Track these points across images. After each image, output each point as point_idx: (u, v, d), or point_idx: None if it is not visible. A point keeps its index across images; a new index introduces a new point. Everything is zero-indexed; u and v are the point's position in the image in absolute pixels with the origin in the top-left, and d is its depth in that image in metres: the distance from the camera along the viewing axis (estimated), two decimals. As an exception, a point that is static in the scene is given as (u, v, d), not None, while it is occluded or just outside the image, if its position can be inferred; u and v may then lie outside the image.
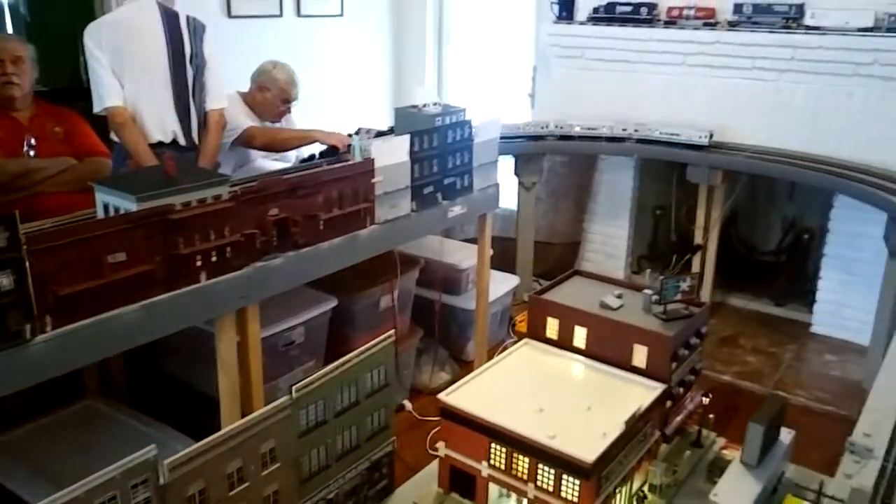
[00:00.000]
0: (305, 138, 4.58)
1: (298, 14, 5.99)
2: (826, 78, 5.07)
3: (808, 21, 5.01)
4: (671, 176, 5.99)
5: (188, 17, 4.09)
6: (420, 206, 3.86)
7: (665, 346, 1.79)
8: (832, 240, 5.36)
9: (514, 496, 1.71)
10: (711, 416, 2.02)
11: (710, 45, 5.38)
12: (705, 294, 5.70)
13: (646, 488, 1.78)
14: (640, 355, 1.82)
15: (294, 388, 1.44)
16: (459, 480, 1.72)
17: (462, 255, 4.93)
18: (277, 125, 4.87)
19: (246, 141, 4.56)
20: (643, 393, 1.73)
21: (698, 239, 5.63)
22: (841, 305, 5.31)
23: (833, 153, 4.91)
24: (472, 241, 4.62)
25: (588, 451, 1.50)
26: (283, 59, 4.89)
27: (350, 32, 6.45)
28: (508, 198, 6.00)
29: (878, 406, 2.21)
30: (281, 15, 5.88)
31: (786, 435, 1.83)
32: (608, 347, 1.86)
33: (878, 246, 4.60)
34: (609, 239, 6.29)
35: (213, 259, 2.84)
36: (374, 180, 3.55)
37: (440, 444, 1.72)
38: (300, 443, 1.48)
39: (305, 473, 1.50)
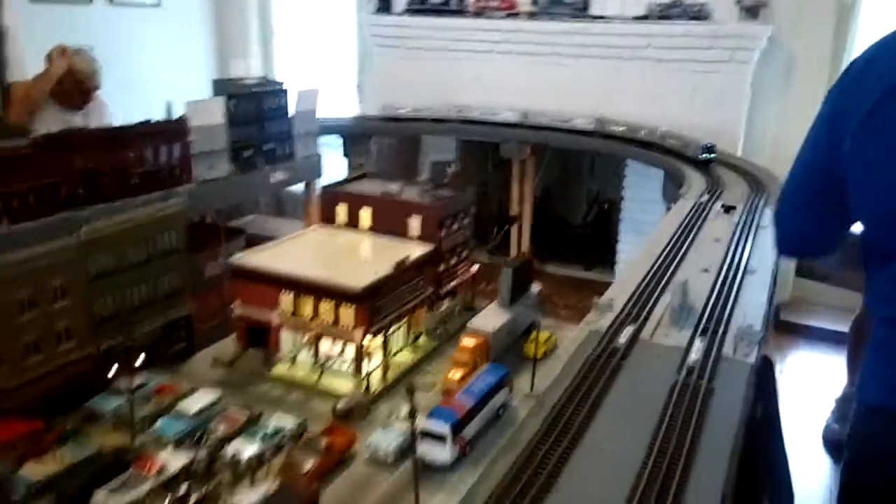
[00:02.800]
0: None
1: (111, 2, 5.90)
2: (612, 61, 5.74)
3: (593, 10, 5.68)
4: (487, 156, 6.48)
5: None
6: (240, 168, 3.99)
7: (433, 214, 2.09)
8: (627, 206, 6.03)
9: (306, 348, 1.92)
10: (483, 284, 2.35)
11: (513, 34, 5.92)
12: (523, 260, 6.20)
13: (422, 337, 2.06)
14: (414, 225, 2.10)
15: (82, 231, 1.57)
16: (255, 335, 1.91)
17: (293, 229, 5.07)
18: (80, 114, 4.68)
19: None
20: (416, 250, 2.01)
21: (513, 211, 6.12)
22: (636, 261, 5.97)
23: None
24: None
25: (360, 282, 1.74)
26: (95, 48, 4.79)
27: (170, 24, 6.41)
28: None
29: (622, 281, 2.65)
30: (91, 2, 5.76)
31: (535, 287, 2.17)
32: (389, 223, 2.14)
33: (661, 208, 5.26)
34: (437, 219, 6.66)
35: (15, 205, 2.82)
36: (188, 139, 3.65)
37: (235, 304, 1.90)
38: (91, 286, 1.60)
39: (98, 317, 1.62)
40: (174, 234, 1.80)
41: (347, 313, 1.76)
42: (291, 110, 4.42)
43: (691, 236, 3.32)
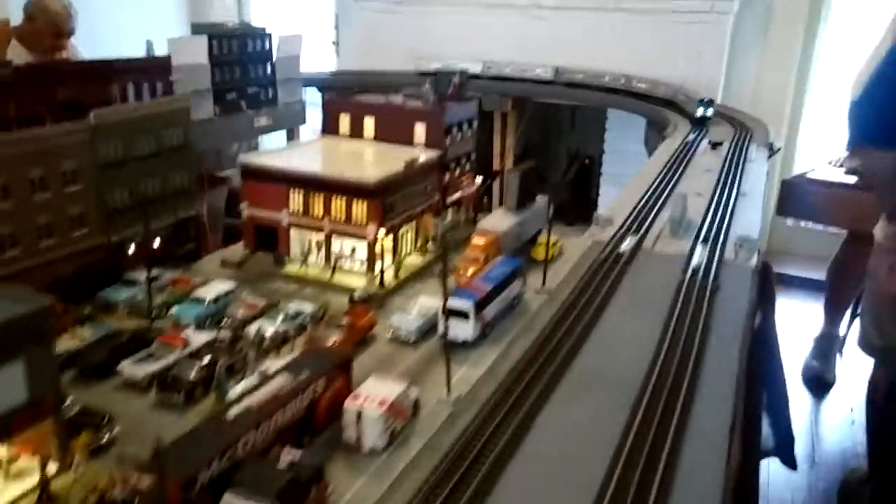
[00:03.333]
0: None
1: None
2: (592, 13, 5.73)
3: (575, -39, 5.65)
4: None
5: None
6: (223, 110, 3.92)
7: (438, 120, 2.08)
8: (608, 159, 6.08)
9: (316, 249, 1.91)
10: (486, 198, 2.35)
11: (494, -15, 5.87)
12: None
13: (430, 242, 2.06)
14: (419, 131, 2.10)
15: (91, 115, 1.53)
16: (264, 238, 1.89)
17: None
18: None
19: None
20: (423, 154, 2.01)
21: (495, 166, 6.12)
22: (617, 213, 6.03)
23: (602, 77, 5.58)
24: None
25: (373, 177, 1.73)
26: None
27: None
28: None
29: (620, 200, 2.68)
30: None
31: (541, 199, 2.19)
32: (394, 132, 2.13)
33: (643, 159, 5.29)
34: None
35: None
36: (171, 77, 3.57)
37: (243, 205, 1.87)
38: (102, 174, 1.57)
39: (111, 207, 1.59)
40: (180, 130, 1.76)
41: (360, 208, 1.75)
42: (274, 57, 4.34)
43: (682, 168, 3.36)
